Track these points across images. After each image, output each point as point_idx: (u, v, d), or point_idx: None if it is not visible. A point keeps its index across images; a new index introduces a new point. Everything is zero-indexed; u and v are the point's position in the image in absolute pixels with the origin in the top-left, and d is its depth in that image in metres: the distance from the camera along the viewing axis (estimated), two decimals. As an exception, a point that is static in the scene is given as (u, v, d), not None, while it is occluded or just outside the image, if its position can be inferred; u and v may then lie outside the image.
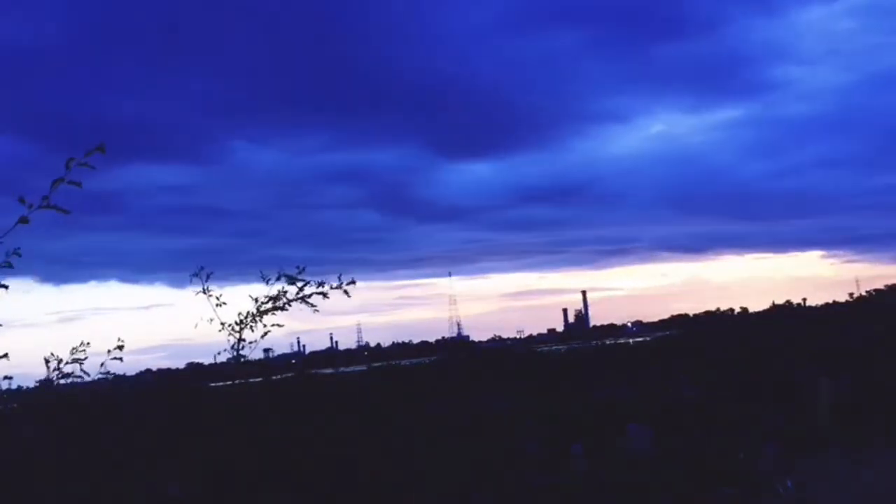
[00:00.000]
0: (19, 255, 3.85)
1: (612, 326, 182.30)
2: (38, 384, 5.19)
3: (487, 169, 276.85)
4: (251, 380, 9.25)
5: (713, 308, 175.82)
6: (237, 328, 6.27)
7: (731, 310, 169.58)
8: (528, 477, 15.25)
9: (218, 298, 6.13)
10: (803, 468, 15.58)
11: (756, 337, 52.72)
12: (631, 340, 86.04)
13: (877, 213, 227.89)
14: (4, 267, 3.85)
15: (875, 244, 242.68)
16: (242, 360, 6.34)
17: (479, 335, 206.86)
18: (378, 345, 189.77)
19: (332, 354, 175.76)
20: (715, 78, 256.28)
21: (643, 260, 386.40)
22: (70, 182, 3.58)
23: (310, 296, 6.24)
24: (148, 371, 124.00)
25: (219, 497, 9.42)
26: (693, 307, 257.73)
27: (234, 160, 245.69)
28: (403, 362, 76.85)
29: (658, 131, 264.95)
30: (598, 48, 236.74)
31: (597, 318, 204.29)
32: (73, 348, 5.12)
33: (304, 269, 6.23)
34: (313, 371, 66.22)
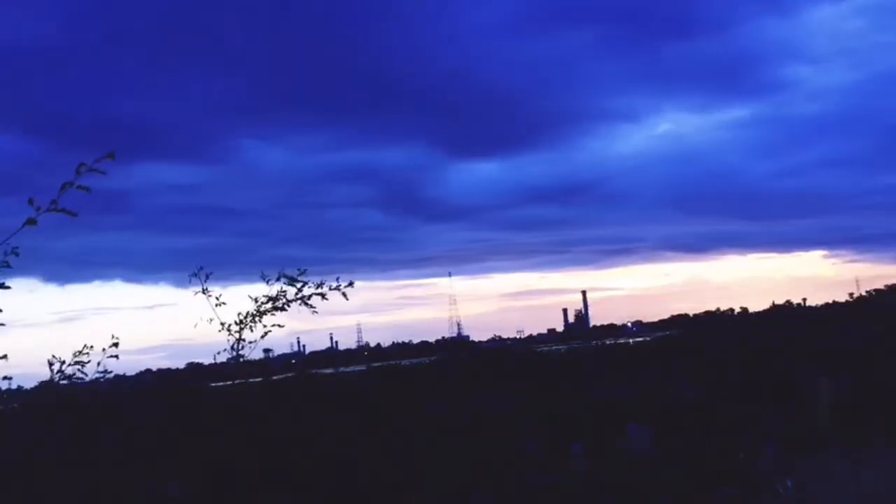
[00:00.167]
0: (17, 255, 3.86)
1: (612, 326, 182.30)
2: (39, 385, 5.19)
3: (494, 168, 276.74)
4: (251, 380, 9.25)
5: (713, 308, 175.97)
6: (237, 328, 6.27)
7: (731, 310, 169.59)
8: (528, 477, 15.25)
9: (217, 298, 6.13)
10: (803, 468, 15.58)
11: (756, 337, 52.71)
12: (631, 340, 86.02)
13: (880, 213, 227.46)
14: (2, 267, 3.86)
15: (877, 244, 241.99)
16: (242, 360, 6.34)
17: (479, 335, 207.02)
18: (378, 345, 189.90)
19: (332, 354, 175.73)
20: (723, 77, 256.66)
21: (646, 260, 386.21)
22: (79, 187, 3.61)
23: (309, 297, 6.23)
24: (148, 371, 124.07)
25: (219, 497, 9.42)
26: (694, 307, 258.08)
27: (240, 159, 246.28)
28: (404, 362, 76.87)
29: (665, 131, 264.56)
30: (607, 47, 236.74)
31: (597, 318, 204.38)
32: (77, 351, 5.12)
33: (304, 270, 6.23)
34: (313, 371, 66.22)
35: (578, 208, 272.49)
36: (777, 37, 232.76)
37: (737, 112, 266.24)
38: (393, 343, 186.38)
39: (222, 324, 6.20)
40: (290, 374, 53.71)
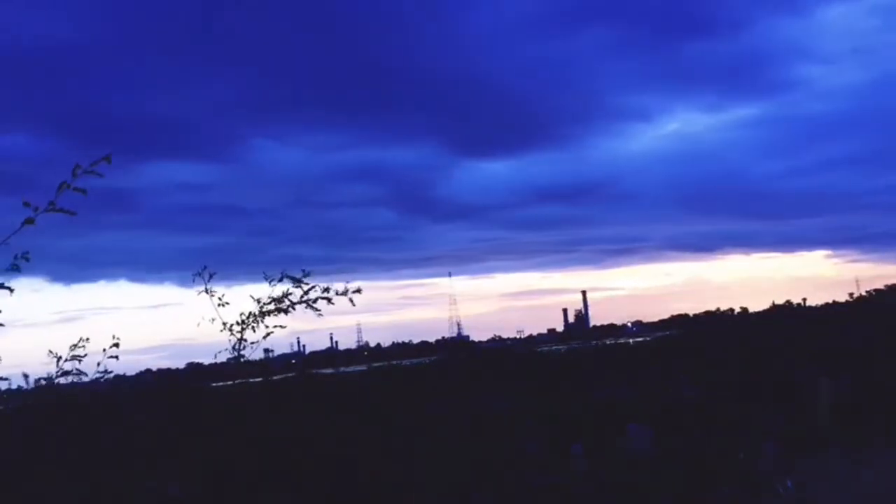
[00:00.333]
0: (28, 260, 3.87)
1: (611, 326, 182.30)
2: (36, 382, 5.17)
3: (502, 167, 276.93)
4: (251, 380, 9.25)
5: (713, 308, 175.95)
6: (239, 328, 6.26)
7: (731, 310, 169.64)
8: (528, 477, 15.24)
9: (220, 298, 6.12)
10: (803, 468, 15.58)
11: (756, 337, 52.70)
12: (631, 340, 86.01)
13: (885, 212, 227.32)
14: (12, 270, 3.86)
15: (881, 243, 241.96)
16: (242, 360, 6.33)
17: (479, 335, 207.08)
18: (378, 345, 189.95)
19: (332, 354, 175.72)
20: (734, 77, 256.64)
21: (650, 259, 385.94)
22: (76, 189, 3.62)
23: (315, 300, 6.19)
24: (148, 371, 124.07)
25: (219, 497, 9.42)
26: (695, 307, 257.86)
27: (249, 158, 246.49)
28: (404, 362, 76.85)
29: (674, 130, 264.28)
30: (617, 47, 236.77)
31: (598, 319, 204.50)
32: (73, 345, 5.11)
33: (308, 272, 6.20)
34: (313, 371, 66.22)
35: (585, 208, 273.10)
36: (789, 36, 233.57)
37: (747, 111, 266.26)
38: (393, 343, 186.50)
39: (224, 324, 6.20)
40: (290, 374, 53.70)
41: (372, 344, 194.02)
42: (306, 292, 6.18)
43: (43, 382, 5.11)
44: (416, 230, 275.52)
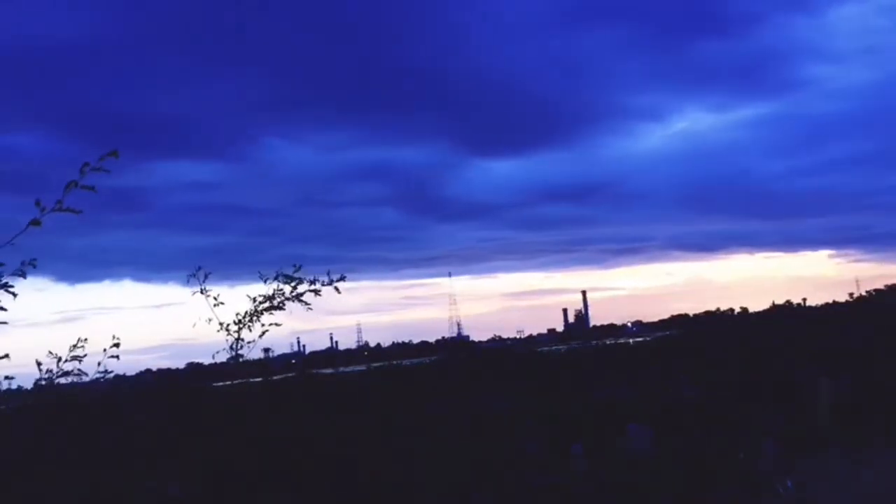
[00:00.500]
0: (35, 266, 3.89)
1: (611, 326, 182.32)
2: (36, 383, 5.17)
3: (509, 167, 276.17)
4: (251, 380, 9.25)
5: (714, 308, 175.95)
6: (235, 328, 6.27)
7: (731, 310, 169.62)
8: (528, 477, 15.24)
9: (216, 298, 6.13)
10: (803, 468, 15.58)
11: (756, 337, 52.70)
12: (631, 340, 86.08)
13: (888, 212, 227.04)
14: (17, 276, 3.88)
15: (883, 243, 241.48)
16: (241, 359, 6.33)
17: (479, 335, 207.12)
18: (378, 345, 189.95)
19: (332, 354, 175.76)
20: (744, 76, 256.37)
21: (654, 259, 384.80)
22: (83, 186, 3.62)
23: (303, 294, 6.22)
24: (148, 371, 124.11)
25: (219, 497, 9.42)
26: (696, 307, 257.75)
27: (257, 157, 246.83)
28: (404, 362, 76.84)
29: (681, 129, 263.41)
30: (626, 46, 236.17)
31: (599, 319, 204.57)
32: (72, 345, 5.11)
33: (300, 267, 6.22)
34: (313, 371, 66.23)
35: (590, 207, 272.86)
36: (799, 36, 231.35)
37: (755, 111, 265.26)
38: (393, 343, 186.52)
39: (221, 324, 6.20)
40: (290, 374, 53.71)
41: (372, 344, 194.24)
42: (295, 287, 6.19)
43: (43, 382, 5.10)
44: (422, 230, 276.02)
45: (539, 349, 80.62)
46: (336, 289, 6.13)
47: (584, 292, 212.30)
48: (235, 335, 6.27)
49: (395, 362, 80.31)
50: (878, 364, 25.36)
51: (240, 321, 6.27)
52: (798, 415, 20.60)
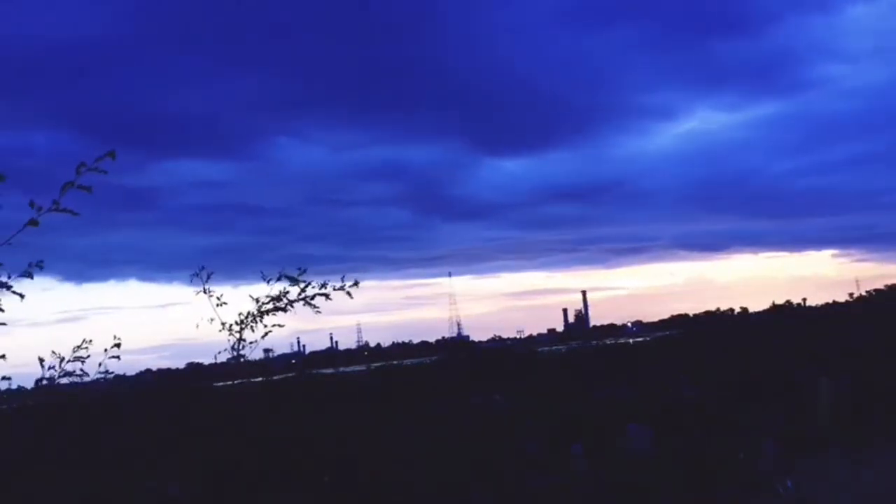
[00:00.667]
0: (41, 268, 3.92)
1: (611, 326, 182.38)
2: (37, 383, 5.16)
3: (517, 166, 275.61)
4: (252, 379, 9.25)
5: (714, 308, 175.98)
6: (238, 328, 6.26)
7: (731, 310, 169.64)
8: (528, 477, 15.25)
9: (219, 298, 6.13)
10: (803, 468, 15.58)
11: (756, 337, 52.71)
12: (631, 340, 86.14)
13: (893, 211, 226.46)
14: (24, 277, 3.90)
15: (886, 243, 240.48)
16: (242, 359, 6.33)
17: (479, 335, 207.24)
18: (378, 345, 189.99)
19: (332, 354, 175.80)
20: (754, 75, 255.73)
21: (659, 258, 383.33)
22: (80, 187, 3.63)
23: (312, 297, 6.20)
24: (148, 371, 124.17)
25: (219, 497, 9.42)
26: (697, 307, 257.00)
27: (267, 156, 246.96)
28: (405, 362, 76.86)
29: (690, 129, 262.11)
30: (637, 45, 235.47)
31: (599, 319, 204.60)
32: (76, 346, 5.11)
33: (304, 270, 6.21)
34: (314, 371, 66.25)
35: (597, 207, 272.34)
36: (811, 35, 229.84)
37: (765, 110, 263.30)
38: (393, 343, 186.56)
39: (223, 324, 6.20)
40: (290, 374, 53.71)
41: (372, 344, 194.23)
42: (303, 290, 6.18)
43: (44, 382, 5.09)
44: (429, 229, 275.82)
45: (539, 349, 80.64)
46: (349, 294, 6.12)
47: (583, 292, 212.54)
48: (238, 335, 6.27)
49: (395, 362, 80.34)
50: (878, 364, 25.35)
51: (242, 321, 6.27)
52: (798, 415, 20.60)
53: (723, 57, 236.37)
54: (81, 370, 5.09)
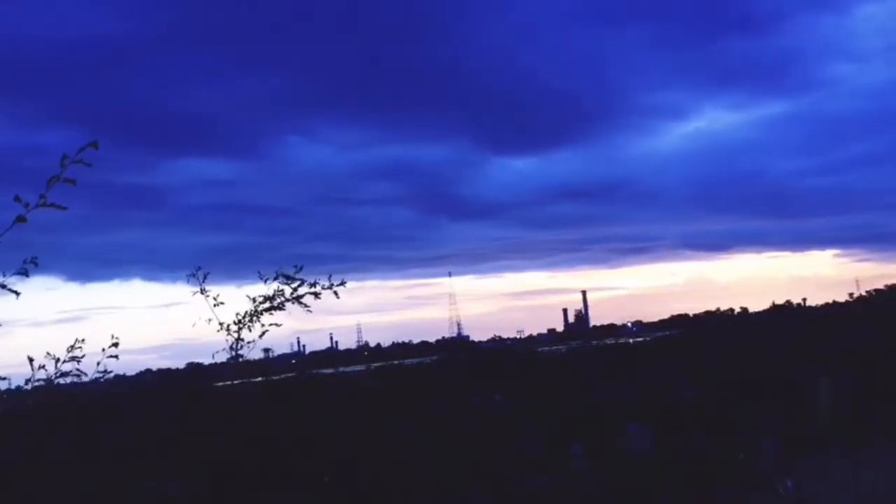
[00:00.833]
0: (36, 265, 3.86)
1: (611, 326, 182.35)
2: (35, 383, 5.14)
3: (526, 165, 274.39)
4: (251, 379, 9.24)
5: (714, 308, 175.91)
6: (235, 328, 6.26)
7: (731, 310, 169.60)
8: (528, 477, 15.24)
9: (216, 298, 6.12)
10: (803, 468, 15.58)
11: (756, 337, 52.69)
12: (631, 340, 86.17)
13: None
14: (20, 275, 3.86)
15: (888, 242, 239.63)
16: (240, 359, 6.33)
17: (479, 335, 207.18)
18: (378, 345, 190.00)
19: (332, 354, 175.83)
20: (764, 75, 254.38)
21: (663, 258, 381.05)
22: (66, 180, 3.59)
23: (303, 296, 6.21)
24: (148, 371, 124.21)
25: (219, 497, 9.42)
26: (698, 306, 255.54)
27: (274, 156, 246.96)
28: (405, 362, 76.86)
29: (697, 128, 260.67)
30: (645, 45, 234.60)
31: (599, 318, 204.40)
32: (70, 346, 5.09)
33: (301, 268, 6.21)
34: (314, 371, 66.26)
35: (602, 206, 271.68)
36: (820, 34, 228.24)
37: (772, 110, 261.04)
38: (393, 343, 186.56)
39: (221, 324, 6.20)
40: (290, 374, 53.70)
41: (372, 344, 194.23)
42: (295, 289, 6.19)
43: (40, 383, 5.07)
44: (434, 228, 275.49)
45: (539, 349, 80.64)
46: (335, 293, 6.12)
47: (583, 292, 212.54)
48: (235, 335, 6.27)
49: (395, 362, 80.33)
50: (878, 364, 25.34)
51: (240, 321, 6.27)
52: (798, 415, 20.60)
53: (732, 56, 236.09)
54: (78, 370, 5.07)
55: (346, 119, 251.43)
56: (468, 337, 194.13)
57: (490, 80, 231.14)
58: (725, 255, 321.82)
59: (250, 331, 6.27)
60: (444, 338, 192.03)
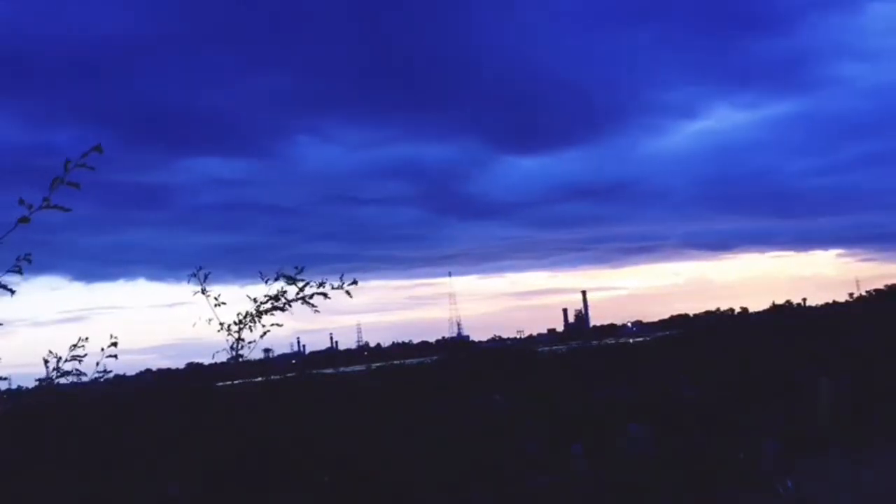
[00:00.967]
0: (30, 262, 3.85)
1: (611, 326, 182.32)
2: (37, 383, 5.14)
3: (534, 165, 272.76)
4: (252, 379, 9.25)
5: (714, 308, 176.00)
6: (236, 328, 6.26)
7: (731, 310, 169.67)
8: (528, 477, 15.25)
9: (216, 298, 6.12)
10: (803, 468, 15.58)
11: (756, 337, 52.68)
12: (631, 340, 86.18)
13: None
14: (13, 272, 3.84)
15: (889, 242, 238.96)
16: (241, 360, 6.32)
17: (479, 335, 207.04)
18: (378, 345, 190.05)
19: (332, 354, 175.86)
20: (773, 74, 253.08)
21: (667, 258, 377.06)
22: (69, 184, 3.60)
23: (311, 296, 6.19)
24: (148, 371, 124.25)
25: (219, 497, 9.42)
26: (698, 306, 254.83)
27: (283, 155, 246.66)
28: (406, 362, 76.88)
29: (704, 128, 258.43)
30: (654, 44, 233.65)
31: (599, 319, 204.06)
32: (72, 345, 5.09)
33: (302, 269, 6.20)
34: (314, 371, 66.27)
35: (608, 206, 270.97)
36: (829, 34, 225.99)
37: (782, 109, 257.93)
38: (393, 343, 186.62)
39: (221, 324, 6.19)
40: (290, 374, 53.70)
41: (372, 344, 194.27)
42: (302, 289, 6.17)
43: (42, 383, 5.07)
44: (440, 228, 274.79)
45: (539, 349, 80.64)
46: (348, 293, 6.10)
47: (583, 292, 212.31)
48: (236, 335, 6.26)
49: (395, 362, 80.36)
50: (878, 364, 25.35)
51: (240, 321, 6.26)
52: (798, 415, 20.60)
53: (742, 55, 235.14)
54: (77, 370, 5.07)
55: (353, 118, 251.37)
56: (468, 337, 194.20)
57: (499, 79, 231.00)
58: (729, 255, 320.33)
59: (251, 331, 6.27)
60: (443, 338, 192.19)
